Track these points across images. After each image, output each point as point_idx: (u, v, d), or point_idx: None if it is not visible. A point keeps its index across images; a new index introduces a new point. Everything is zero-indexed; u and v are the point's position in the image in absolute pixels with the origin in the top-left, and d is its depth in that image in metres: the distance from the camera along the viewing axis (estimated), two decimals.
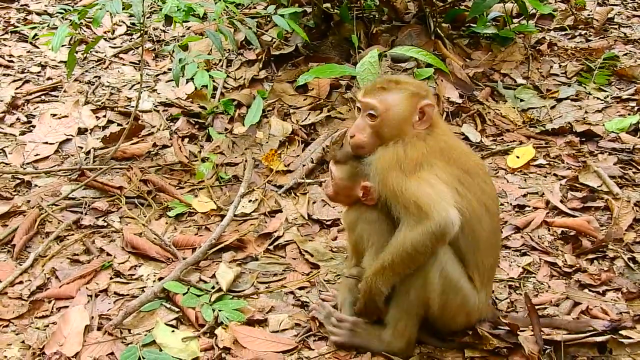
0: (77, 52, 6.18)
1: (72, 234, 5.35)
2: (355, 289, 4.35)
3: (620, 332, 4.35)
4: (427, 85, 4.48)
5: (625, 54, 7.78)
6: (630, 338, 4.29)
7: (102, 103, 6.97)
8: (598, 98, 7.06)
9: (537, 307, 4.55)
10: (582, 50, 7.79)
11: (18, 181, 5.87)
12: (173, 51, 5.95)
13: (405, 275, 4.07)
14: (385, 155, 4.11)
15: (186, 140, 6.49)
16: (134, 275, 5.00)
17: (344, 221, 4.51)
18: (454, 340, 4.36)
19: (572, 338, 4.28)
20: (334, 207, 5.65)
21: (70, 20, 5.81)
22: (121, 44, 8.13)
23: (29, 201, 5.63)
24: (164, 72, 7.52)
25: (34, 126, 6.56)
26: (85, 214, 5.56)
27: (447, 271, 4.08)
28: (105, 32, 8.20)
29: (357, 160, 4.31)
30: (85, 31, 8.07)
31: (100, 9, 5.55)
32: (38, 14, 8.41)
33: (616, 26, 8.44)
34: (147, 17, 7.77)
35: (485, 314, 4.35)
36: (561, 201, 5.68)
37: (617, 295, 4.81)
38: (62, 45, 5.97)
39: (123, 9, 5.71)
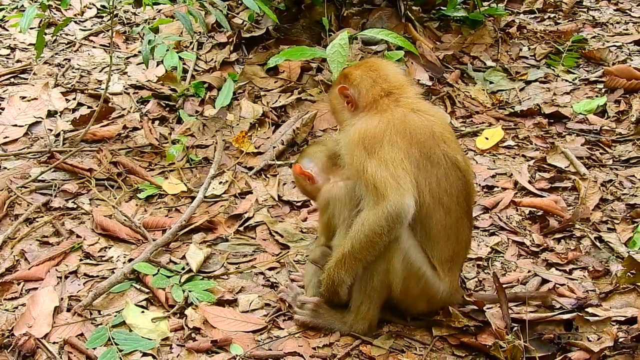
0: (46, 34, 6.14)
1: (42, 216, 5.33)
2: (319, 271, 4.37)
3: (586, 309, 4.42)
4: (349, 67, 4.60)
5: (594, 37, 7.84)
6: (596, 315, 4.36)
7: (72, 86, 6.93)
8: (566, 80, 7.12)
9: (505, 285, 4.61)
10: (551, 33, 7.85)
11: None
12: (143, 33, 5.92)
13: (367, 262, 4.10)
14: (351, 131, 4.16)
15: (156, 122, 6.47)
16: (103, 256, 5.00)
17: (318, 203, 4.53)
18: (423, 319, 4.41)
19: (539, 317, 4.33)
20: None
21: (39, 1, 5.77)
22: (91, 26, 8.08)
23: None
24: (135, 55, 7.49)
25: (3, 109, 6.51)
26: (55, 196, 5.54)
27: (409, 257, 4.10)
28: (75, 15, 8.15)
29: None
30: (55, 14, 8.02)
31: None
32: None
33: (585, 9, 8.49)
34: (118, 0, 7.74)
35: (450, 301, 4.37)
36: (529, 182, 5.73)
37: (583, 274, 4.87)
38: (31, 28, 5.95)
39: None
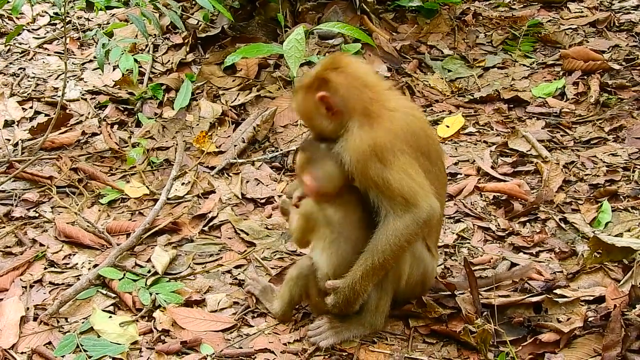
0: None
1: (4, 227, 5.27)
2: (295, 289, 4.27)
3: (554, 291, 4.43)
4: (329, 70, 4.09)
5: (549, 21, 7.87)
6: (564, 297, 4.36)
7: (28, 94, 6.88)
8: (524, 65, 7.15)
9: (474, 270, 4.61)
10: (507, 19, 7.87)
11: None
12: (97, 38, 5.87)
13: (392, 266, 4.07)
14: (356, 144, 3.93)
15: (115, 127, 6.43)
16: (68, 264, 4.95)
17: (301, 209, 4.23)
18: (395, 308, 4.37)
19: (508, 301, 4.33)
20: (267, 185, 5.66)
21: None
22: (45, 34, 8.02)
23: None
24: (90, 60, 7.43)
25: None
26: (16, 205, 5.49)
27: (415, 247, 4.11)
28: (27, 23, 8.07)
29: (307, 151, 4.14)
30: (7, 23, 7.95)
31: None
32: None
33: None
34: (70, 6, 7.67)
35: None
36: (492, 167, 5.74)
37: (550, 256, 4.87)
38: None
39: None
